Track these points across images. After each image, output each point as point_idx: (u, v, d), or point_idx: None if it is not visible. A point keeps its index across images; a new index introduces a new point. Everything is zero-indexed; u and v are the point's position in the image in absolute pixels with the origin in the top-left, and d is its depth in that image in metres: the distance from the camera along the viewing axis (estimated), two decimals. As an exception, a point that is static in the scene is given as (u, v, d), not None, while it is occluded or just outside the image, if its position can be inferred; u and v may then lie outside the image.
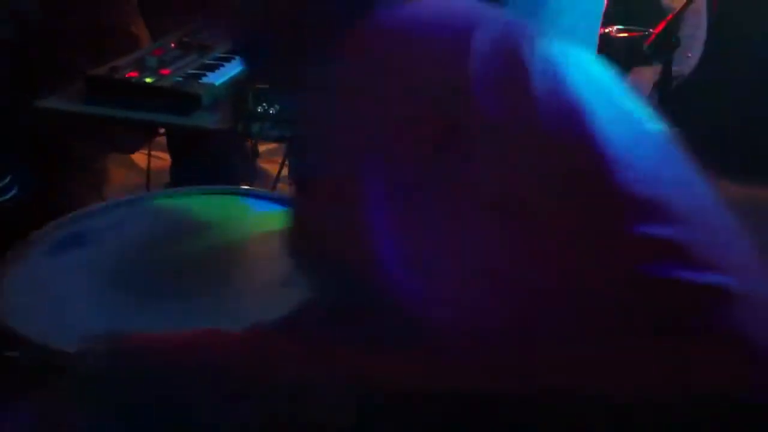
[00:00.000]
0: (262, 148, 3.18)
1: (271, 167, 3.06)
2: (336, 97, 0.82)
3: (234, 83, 1.95)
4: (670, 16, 2.21)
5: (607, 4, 3.08)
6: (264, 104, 1.82)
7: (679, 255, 0.69)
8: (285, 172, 2.36)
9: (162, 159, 3.09)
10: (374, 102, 0.79)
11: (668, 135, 0.81)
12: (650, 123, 0.80)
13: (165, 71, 1.93)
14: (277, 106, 1.82)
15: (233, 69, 2.01)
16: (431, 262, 0.74)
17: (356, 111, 0.80)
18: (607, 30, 2.54)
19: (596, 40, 2.06)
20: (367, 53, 0.81)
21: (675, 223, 0.71)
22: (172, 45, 2.13)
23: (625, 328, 0.68)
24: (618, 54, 2.98)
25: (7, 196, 2.18)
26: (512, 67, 0.75)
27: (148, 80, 1.88)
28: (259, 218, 1.43)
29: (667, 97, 2.36)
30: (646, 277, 0.68)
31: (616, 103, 0.79)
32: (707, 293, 0.68)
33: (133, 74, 1.90)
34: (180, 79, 1.90)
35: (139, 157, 3.02)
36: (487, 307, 0.72)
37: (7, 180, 2.23)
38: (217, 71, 1.98)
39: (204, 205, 1.48)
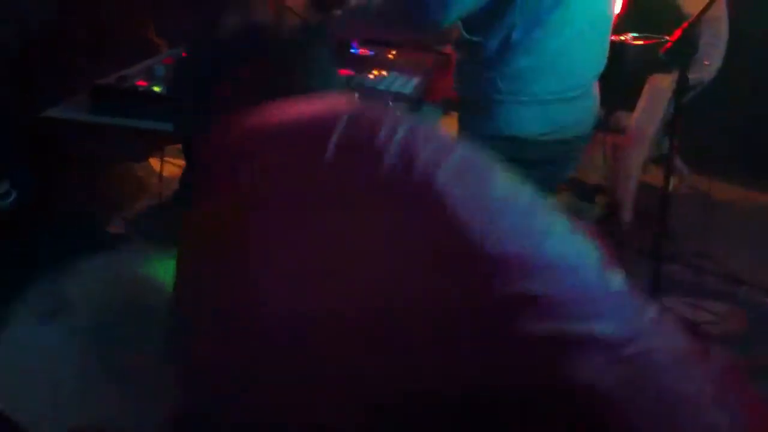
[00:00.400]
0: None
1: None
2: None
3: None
4: (686, 23, 2.17)
5: (624, 12, 3.05)
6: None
7: (537, 308, 0.74)
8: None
9: (177, 165, 3.08)
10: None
11: (533, 196, 0.90)
12: (514, 187, 0.89)
13: (173, 80, 1.92)
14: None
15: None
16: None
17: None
18: (622, 37, 2.50)
19: (606, 47, 2.03)
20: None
21: (535, 278, 0.76)
22: (183, 54, 2.12)
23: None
24: (634, 61, 2.94)
25: (6, 201, 2.17)
26: (366, 154, 0.83)
27: (156, 89, 1.87)
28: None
29: (684, 105, 2.32)
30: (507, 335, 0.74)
31: (478, 174, 0.89)
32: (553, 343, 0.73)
33: (142, 83, 1.89)
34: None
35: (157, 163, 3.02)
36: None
37: (6, 185, 2.22)
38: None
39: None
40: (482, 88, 1.89)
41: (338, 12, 2.04)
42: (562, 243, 0.85)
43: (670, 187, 2.32)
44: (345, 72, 2.04)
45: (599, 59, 2.01)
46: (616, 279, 0.84)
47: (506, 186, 0.90)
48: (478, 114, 1.92)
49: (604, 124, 3.35)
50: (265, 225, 0.81)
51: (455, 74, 2.03)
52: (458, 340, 0.74)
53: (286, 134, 0.89)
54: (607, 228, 3.42)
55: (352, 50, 2.24)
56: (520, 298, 0.76)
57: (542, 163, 1.96)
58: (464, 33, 1.89)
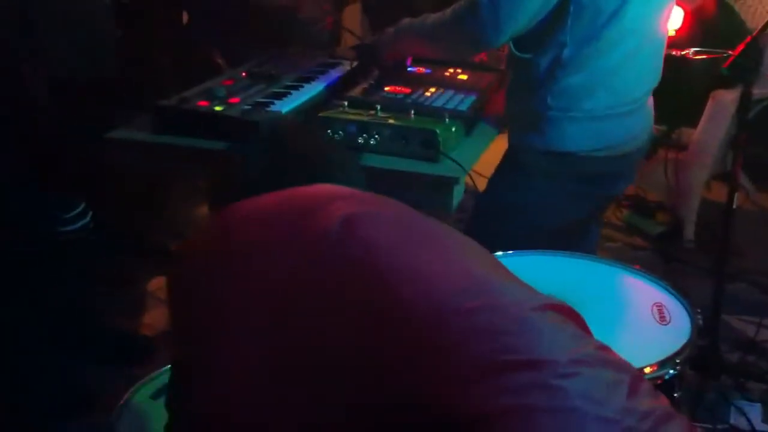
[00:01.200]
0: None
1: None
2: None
3: (301, 111, 1.97)
4: (749, 38, 2.13)
5: (686, 27, 2.99)
6: (328, 131, 1.82)
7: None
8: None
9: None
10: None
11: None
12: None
13: (234, 100, 1.96)
14: (341, 133, 1.83)
15: (301, 97, 2.03)
16: None
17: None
18: (684, 52, 2.46)
19: (660, 63, 2.00)
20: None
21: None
22: (243, 74, 2.17)
23: None
24: (696, 77, 2.89)
25: (80, 225, 2.24)
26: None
27: (217, 109, 1.91)
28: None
29: (748, 121, 2.28)
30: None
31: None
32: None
33: (203, 103, 1.93)
34: (248, 107, 1.93)
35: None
36: None
37: (80, 209, 2.30)
38: (284, 99, 2.00)
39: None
40: (533, 105, 1.89)
41: (391, 30, 2.06)
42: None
43: (734, 204, 2.27)
44: (401, 90, 2.06)
45: (653, 75, 1.98)
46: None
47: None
48: (529, 131, 1.92)
49: (666, 141, 3.30)
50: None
51: (507, 91, 2.03)
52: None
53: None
54: (669, 245, 3.36)
55: (408, 68, 2.25)
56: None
57: (596, 178, 1.95)
58: (515, 51, 1.89)
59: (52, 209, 2.31)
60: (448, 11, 1.87)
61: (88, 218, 2.32)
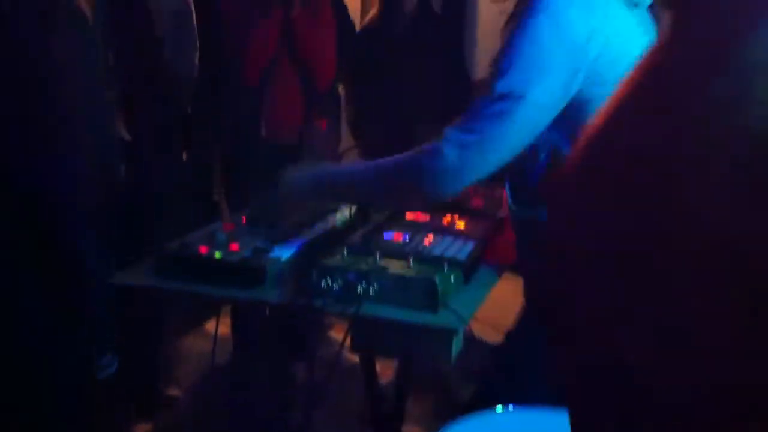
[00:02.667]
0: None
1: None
2: None
3: (302, 256, 1.99)
4: None
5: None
6: (328, 279, 1.83)
7: None
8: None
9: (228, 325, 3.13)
10: None
11: None
12: None
13: (234, 246, 1.98)
14: (340, 282, 1.83)
15: (299, 243, 2.05)
16: None
17: None
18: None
19: None
20: None
21: None
22: (243, 220, 2.20)
23: None
24: None
25: (108, 372, 2.23)
26: None
27: (217, 255, 1.93)
28: None
29: None
30: None
31: None
32: None
33: (204, 249, 1.95)
34: (248, 254, 1.95)
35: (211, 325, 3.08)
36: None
37: (108, 356, 2.29)
38: (284, 245, 2.02)
39: None
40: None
41: (299, 178, 2.01)
42: None
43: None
44: (400, 237, 2.08)
45: None
46: None
47: None
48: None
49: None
50: None
51: (517, 248, 1.98)
52: None
53: None
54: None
55: (406, 215, 2.29)
56: None
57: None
58: (515, 209, 1.86)
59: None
60: (394, 158, 1.79)
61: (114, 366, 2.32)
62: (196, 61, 3.23)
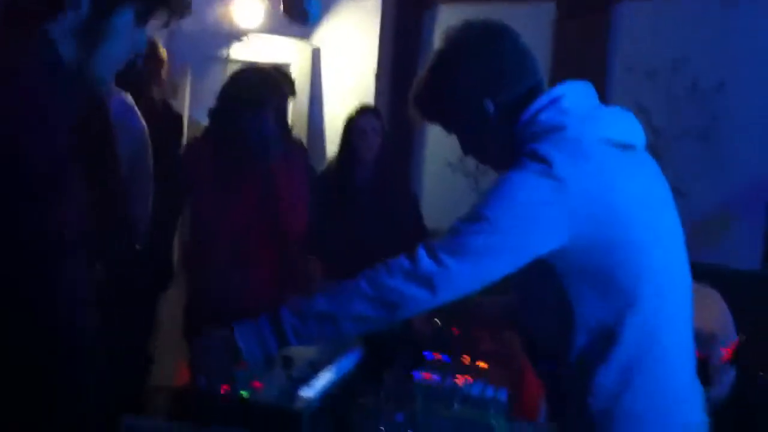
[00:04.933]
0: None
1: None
2: None
3: (333, 396, 1.81)
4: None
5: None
6: (373, 420, 1.67)
7: None
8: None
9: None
10: None
11: None
12: None
13: (257, 384, 1.78)
14: (388, 425, 1.67)
15: (326, 380, 1.88)
16: None
17: None
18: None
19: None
20: None
21: None
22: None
23: None
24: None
25: None
26: None
27: (244, 394, 1.72)
28: None
29: None
30: None
31: None
32: None
33: (226, 387, 1.74)
34: (277, 393, 1.75)
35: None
36: None
37: None
38: (310, 383, 1.84)
39: None
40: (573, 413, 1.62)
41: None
42: None
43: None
44: (430, 376, 1.95)
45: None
46: None
47: None
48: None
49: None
50: None
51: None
52: None
53: None
54: None
55: (427, 355, 2.16)
56: None
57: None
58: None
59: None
60: (356, 283, 1.54)
61: None
62: (150, 203, 3.06)
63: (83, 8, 1.27)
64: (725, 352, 2.21)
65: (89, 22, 1.29)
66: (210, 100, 3.49)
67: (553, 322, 1.58)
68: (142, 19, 1.34)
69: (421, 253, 1.50)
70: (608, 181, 1.54)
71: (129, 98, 2.92)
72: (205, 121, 3.32)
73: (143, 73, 3.22)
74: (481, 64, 1.62)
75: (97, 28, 1.30)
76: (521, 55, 1.64)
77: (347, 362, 2.06)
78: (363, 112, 3.75)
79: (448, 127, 1.70)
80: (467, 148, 1.70)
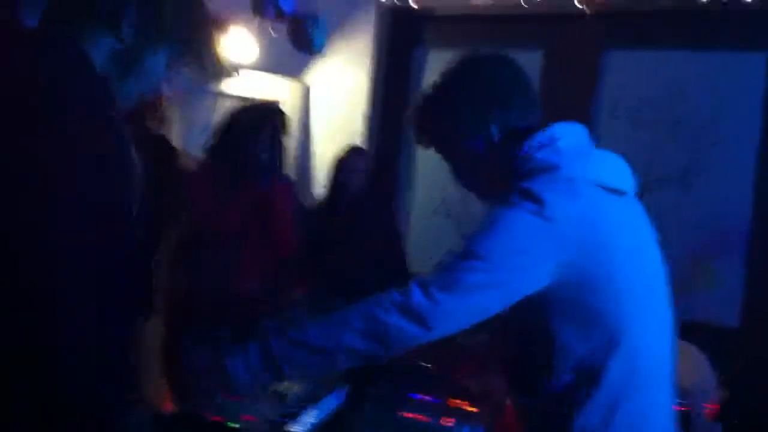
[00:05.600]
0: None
1: None
2: None
3: (325, 427, 1.81)
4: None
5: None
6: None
7: None
8: None
9: None
10: None
11: None
12: None
13: (248, 417, 1.79)
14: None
15: (312, 417, 1.88)
16: None
17: None
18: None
19: None
20: None
21: None
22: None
23: None
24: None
25: None
26: None
27: (231, 425, 1.72)
28: None
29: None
30: None
31: None
32: None
33: (216, 419, 1.74)
34: (265, 427, 1.76)
35: None
36: None
37: None
38: (297, 420, 1.85)
39: None
40: None
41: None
42: None
43: None
44: (422, 418, 1.96)
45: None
46: None
47: None
48: None
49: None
50: None
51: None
52: None
53: None
54: None
55: (413, 396, 2.16)
56: None
57: None
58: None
59: None
60: (347, 315, 1.54)
61: None
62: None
63: (126, 39, 1.29)
64: (710, 408, 2.24)
65: (127, 53, 1.31)
66: (199, 134, 3.55)
67: (536, 358, 1.60)
68: (173, 63, 1.37)
69: (414, 288, 1.51)
70: (597, 223, 1.57)
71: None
72: (194, 153, 3.38)
73: (142, 103, 3.26)
74: (493, 87, 1.66)
75: (132, 60, 1.32)
76: (528, 86, 1.70)
77: (334, 399, 2.07)
78: (351, 152, 3.84)
79: (447, 150, 1.72)
80: (460, 173, 1.73)
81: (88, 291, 1.20)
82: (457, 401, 2.18)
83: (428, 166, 4.41)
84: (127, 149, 1.50)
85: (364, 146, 4.22)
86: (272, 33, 4.16)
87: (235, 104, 3.34)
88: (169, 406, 1.87)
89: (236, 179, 3.14)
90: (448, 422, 1.97)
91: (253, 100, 4.09)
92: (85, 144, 1.28)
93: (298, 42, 3.48)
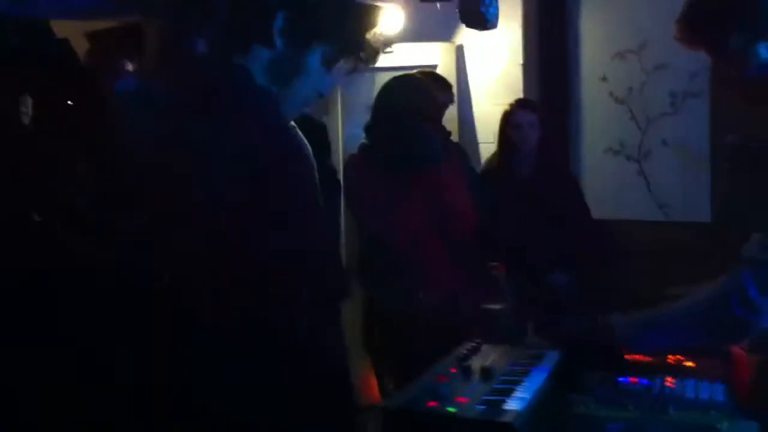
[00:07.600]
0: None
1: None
2: None
3: (536, 406, 1.75)
4: None
5: None
6: (587, 432, 1.60)
7: None
8: None
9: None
10: None
11: None
12: None
13: (462, 399, 1.75)
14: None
15: (528, 391, 1.82)
16: None
17: None
18: None
19: None
20: None
21: None
22: (452, 370, 1.98)
23: None
24: None
25: None
26: None
27: (450, 410, 1.70)
28: None
29: None
30: None
31: None
32: None
33: (433, 404, 1.73)
34: (482, 407, 1.72)
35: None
36: None
37: None
38: (513, 396, 1.79)
39: None
40: None
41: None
42: None
43: None
44: (635, 380, 1.86)
45: None
46: None
47: None
48: None
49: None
50: None
51: None
52: None
53: None
54: None
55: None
56: None
57: None
58: None
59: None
60: (705, 292, 1.70)
61: None
62: None
63: (277, 46, 1.28)
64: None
65: (281, 59, 1.30)
66: (362, 113, 3.52)
67: None
68: (330, 61, 1.35)
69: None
70: None
71: None
72: (359, 135, 3.35)
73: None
74: None
75: (289, 65, 1.32)
76: None
77: (544, 368, 2.00)
78: (518, 106, 3.70)
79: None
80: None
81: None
82: (678, 357, 2.06)
83: (593, 106, 4.25)
84: (306, 150, 1.50)
85: (529, 99, 4.08)
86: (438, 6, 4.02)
87: (395, 80, 3.26)
88: (377, 399, 1.89)
89: (404, 168, 3.04)
90: (673, 382, 1.85)
91: (409, 68, 4.04)
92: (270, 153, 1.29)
93: (471, 19, 3.38)
